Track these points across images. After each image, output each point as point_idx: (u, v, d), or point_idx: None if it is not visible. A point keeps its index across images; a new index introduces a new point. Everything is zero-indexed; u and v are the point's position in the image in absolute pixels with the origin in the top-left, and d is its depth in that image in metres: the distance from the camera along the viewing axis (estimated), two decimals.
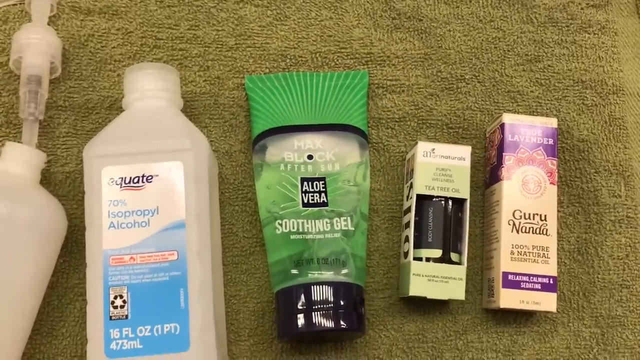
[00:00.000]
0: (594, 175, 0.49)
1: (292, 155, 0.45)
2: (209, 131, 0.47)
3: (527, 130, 0.45)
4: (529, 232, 0.43)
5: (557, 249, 0.46)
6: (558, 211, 0.47)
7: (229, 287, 0.45)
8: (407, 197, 0.46)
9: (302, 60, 0.49)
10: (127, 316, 0.37)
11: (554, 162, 0.45)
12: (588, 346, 0.46)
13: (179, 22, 0.49)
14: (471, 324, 0.46)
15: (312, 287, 0.41)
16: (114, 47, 0.48)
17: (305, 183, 0.44)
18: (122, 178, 0.39)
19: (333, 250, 0.42)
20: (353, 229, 0.43)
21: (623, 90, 0.50)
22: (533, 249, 0.43)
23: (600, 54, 0.51)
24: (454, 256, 0.43)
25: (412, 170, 0.45)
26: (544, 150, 0.45)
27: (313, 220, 0.43)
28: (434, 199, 0.44)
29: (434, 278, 0.42)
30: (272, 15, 0.49)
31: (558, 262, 0.47)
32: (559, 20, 0.51)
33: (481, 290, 0.46)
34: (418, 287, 0.42)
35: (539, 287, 0.43)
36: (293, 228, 0.43)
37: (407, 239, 0.44)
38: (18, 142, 0.43)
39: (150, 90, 0.42)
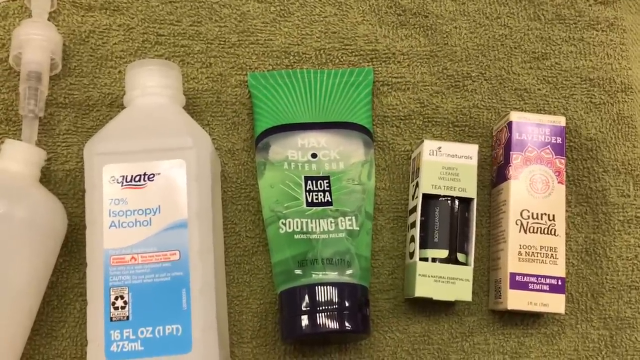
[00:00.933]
0: (602, 175, 0.48)
1: (296, 153, 0.44)
2: (211, 129, 0.47)
3: (534, 128, 0.44)
4: (536, 232, 0.43)
5: (565, 249, 0.45)
6: (566, 211, 0.46)
7: (231, 287, 0.44)
8: (413, 196, 0.45)
9: (305, 57, 0.48)
10: (128, 317, 0.37)
11: (562, 161, 0.44)
12: (596, 348, 0.45)
13: (181, 18, 0.48)
14: (477, 326, 0.45)
15: (316, 287, 0.40)
16: (115, 44, 0.47)
17: (309, 182, 0.44)
18: (123, 176, 0.38)
19: (337, 250, 0.42)
20: (358, 228, 0.43)
21: (631, 88, 0.49)
22: (541, 249, 0.42)
23: (609, 52, 0.50)
24: (460, 257, 0.43)
25: (418, 169, 0.44)
26: (552, 149, 0.44)
27: (317, 220, 0.42)
28: (440, 199, 0.43)
29: (440, 279, 0.42)
30: (275, 11, 0.49)
31: (566, 262, 0.46)
32: (567, 17, 0.50)
33: (488, 291, 0.46)
34: (424, 288, 0.42)
35: (547, 289, 0.42)
36: (297, 228, 0.42)
37: (412, 239, 0.43)
38: (18, 139, 0.42)
39: (152, 87, 0.41)
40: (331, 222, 0.43)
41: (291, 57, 0.48)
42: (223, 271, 0.44)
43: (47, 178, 0.45)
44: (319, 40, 0.48)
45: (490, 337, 0.45)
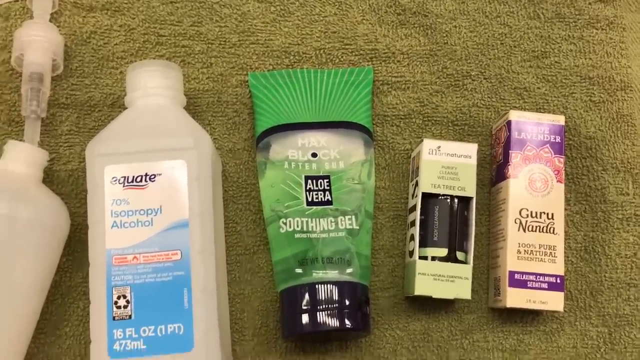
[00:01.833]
0: (602, 173, 0.48)
1: (296, 153, 0.45)
2: (212, 129, 0.47)
3: (534, 127, 0.45)
4: (535, 230, 0.43)
5: (564, 247, 0.46)
6: (565, 209, 0.46)
7: (232, 286, 0.45)
8: (413, 195, 0.45)
9: (306, 57, 0.48)
10: (130, 316, 0.37)
11: (562, 159, 0.44)
12: (595, 345, 0.46)
13: (181, 19, 0.48)
14: (477, 323, 0.46)
15: (317, 286, 0.41)
16: (116, 44, 0.48)
17: (310, 181, 0.44)
18: (125, 177, 0.39)
19: (337, 249, 0.42)
20: (358, 227, 0.43)
21: (631, 86, 0.50)
22: (540, 247, 0.43)
23: (608, 50, 0.50)
24: (459, 255, 0.43)
25: (418, 168, 0.44)
26: (551, 147, 0.44)
27: (317, 219, 0.43)
28: (440, 197, 0.43)
29: (440, 277, 0.42)
30: (275, 11, 0.49)
31: (565, 260, 0.46)
32: (566, 15, 0.50)
33: (487, 289, 0.46)
34: (423, 286, 0.42)
35: (546, 287, 0.42)
36: (297, 227, 0.43)
37: (412, 238, 0.44)
38: (20, 140, 0.43)
39: (153, 88, 0.41)
40: (331, 221, 0.43)
41: (291, 57, 0.48)
42: (224, 270, 0.44)
43: (49, 178, 0.45)
44: (319, 39, 0.49)
45: (490, 334, 0.45)
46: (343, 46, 0.49)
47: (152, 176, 0.39)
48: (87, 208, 0.40)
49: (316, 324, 0.40)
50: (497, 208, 0.45)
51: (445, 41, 0.49)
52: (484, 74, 0.49)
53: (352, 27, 0.49)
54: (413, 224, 0.44)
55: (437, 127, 0.48)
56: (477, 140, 0.48)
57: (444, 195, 0.43)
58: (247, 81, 0.48)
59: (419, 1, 0.50)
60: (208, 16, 0.48)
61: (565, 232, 0.47)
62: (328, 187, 0.44)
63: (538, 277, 0.42)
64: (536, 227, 0.43)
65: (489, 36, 0.50)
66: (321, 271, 0.42)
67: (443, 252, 0.43)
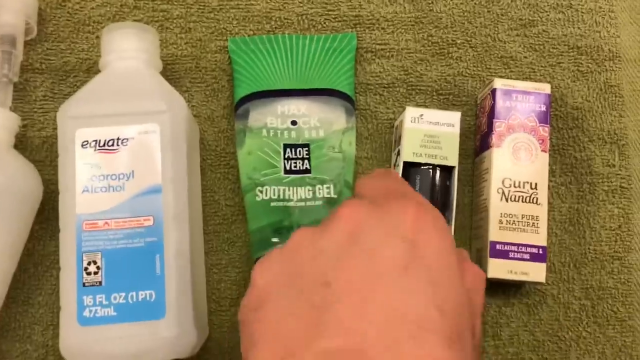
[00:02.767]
0: (588, 144, 0.47)
1: (276, 120, 0.44)
2: (190, 95, 0.46)
3: (519, 95, 0.44)
4: (518, 200, 0.42)
5: (548, 219, 0.45)
6: (550, 181, 0.46)
7: (210, 256, 0.44)
8: (394, 164, 0.44)
9: (287, 22, 0.47)
10: (100, 283, 0.36)
11: (546, 129, 0.43)
12: (578, 318, 0.45)
13: None
14: None
15: None
16: (92, 8, 0.46)
17: (288, 149, 0.43)
18: (96, 141, 0.38)
19: (315, 219, 0.41)
20: (336, 196, 0.42)
21: (619, 56, 0.49)
22: (522, 218, 0.42)
23: (597, 19, 0.49)
24: None
25: (400, 137, 0.43)
26: (536, 116, 0.43)
27: (295, 188, 0.42)
28: (422, 167, 0.42)
29: None
30: None
31: (549, 232, 0.45)
32: None
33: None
34: None
35: (528, 257, 0.41)
36: (274, 195, 0.42)
37: None
38: None
39: (127, 50, 0.40)
40: (309, 190, 0.42)
41: (272, 22, 0.47)
42: (201, 239, 0.43)
43: (23, 145, 0.44)
44: (302, 5, 0.47)
45: None
46: (326, 12, 0.47)
47: (125, 140, 0.38)
48: (58, 172, 0.39)
49: None
50: (480, 178, 0.44)
51: (431, 8, 0.48)
52: (470, 42, 0.48)
53: None
54: None
55: (422, 96, 0.47)
56: (462, 110, 0.47)
57: (425, 164, 0.42)
58: (226, 47, 0.46)
59: None
60: None
61: (550, 203, 0.46)
62: (307, 156, 0.43)
63: (520, 247, 0.41)
64: (519, 197, 0.42)
65: (475, 4, 0.48)
66: None
67: None
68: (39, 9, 0.45)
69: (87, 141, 0.38)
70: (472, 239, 0.45)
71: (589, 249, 0.46)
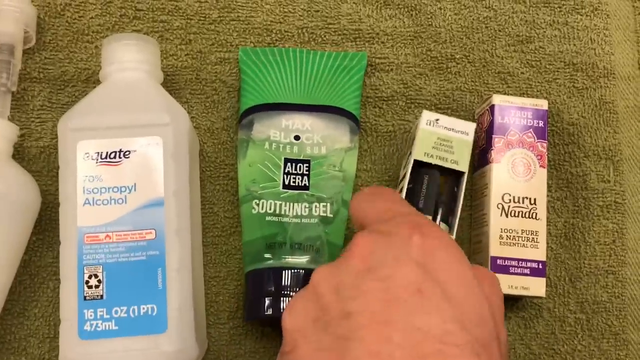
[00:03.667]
0: (583, 160, 0.48)
1: (279, 134, 0.44)
2: (190, 107, 0.46)
3: (517, 112, 0.44)
4: (518, 215, 0.42)
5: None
6: (546, 195, 0.46)
7: (208, 268, 0.44)
8: (403, 166, 0.44)
9: (288, 35, 0.47)
10: (102, 296, 0.36)
11: (544, 144, 0.44)
12: (573, 332, 0.46)
13: None
14: None
15: (284, 271, 0.40)
16: (92, 17, 0.46)
17: (289, 164, 0.43)
18: (98, 153, 0.37)
19: (308, 236, 0.41)
20: (332, 215, 0.42)
21: (614, 73, 0.49)
22: (522, 233, 0.42)
23: (592, 37, 0.50)
24: (442, 226, 0.42)
25: (414, 139, 0.43)
26: (534, 132, 0.44)
27: (291, 203, 0.42)
28: (431, 168, 0.42)
29: None
30: None
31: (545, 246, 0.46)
32: (551, 1, 0.50)
33: None
34: None
35: (528, 272, 0.42)
36: (270, 209, 0.42)
37: None
38: None
39: (129, 62, 0.40)
40: (305, 207, 0.42)
41: (273, 35, 0.47)
42: (200, 251, 0.43)
43: (20, 155, 0.43)
44: (302, 18, 0.48)
45: None
46: (326, 25, 0.48)
47: (127, 152, 0.37)
48: (59, 184, 0.38)
49: (278, 309, 0.39)
50: (480, 193, 0.45)
51: (430, 23, 0.49)
52: (468, 57, 0.48)
53: (336, 6, 0.48)
54: (400, 191, 0.43)
55: (420, 110, 0.47)
56: None
57: (435, 166, 0.42)
58: (226, 58, 0.46)
59: None
60: None
61: (546, 218, 0.46)
62: (307, 172, 0.43)
63: (520, 262, 0.42)
64: (518, 212, 0.42)
65: (473, 19, 0.49)
66: (289, 256, 0.41)
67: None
68: (38, 17, 0.45)
69: (88, 153, 0.37)
70: (472, 253, 0.45)
71: (584, 263, 0.46)
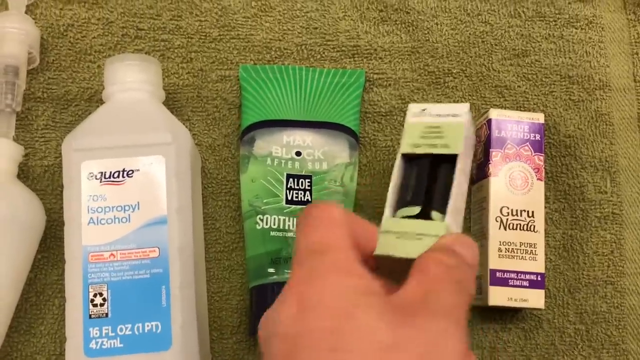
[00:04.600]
0: (580, 171, 0.48)
1: (280, 150, 0.44)
2: (191, 124, 0.46)
3: (514, 125, 0.45)
4: (516, 228, 0.43)
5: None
6: (544, 207, 0.47)
7: (211, 283, 0.44)
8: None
9: (287, 52, 0.48)
10: (107, 314, 0.37)
11: (541, 157, 0.44)
12: (573, 343, 0.46)
13: (161, 12, 0.47)
14: None
15: None
16: (94, 38, 0.47)
17: (291, 180, 0.44)
18: (102, 172, 0.38)
19: None
20: None
21: (609, 85, 0.50)
22: (521, 245, 0.43)
23: (587, 49, 0.50)
24: (435, 215, 0.35)
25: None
26: (531, 146, 0.45)
27: (295, 219, 0.43)
28: (420, 158, 0.36)
29: (405, 235, 0.33)
30: (256, 6, 0.48)
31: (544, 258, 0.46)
32: (547, 14, 0.51)
33: None
34: (385, 245, 0.33)
35: (527, 284, 0.42)
36: (274, 224, 0.42)
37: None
38: None
39: (132, 82, 0.41)
40: None
41: (272, 52, 0.48)
42: (203, 267, 0.43)
43: (24, 174, 0.44)
44: (301, 35, 0.48)
45: (469, 331, 0.45)
46: (324, 42, 0.48)
47: (130, 172, 0.38)
48: (63, 204, 0.39)
49: None
50: (478, 206, 0.45)
51: (427, 38, 0.49)
52: (465, 71, 0.49)
53: (334, 23, 0.49)
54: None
55: None
56: None
57: (425, 155, 0.36)
58: (227, 76, 0.47)
59: None
60: (188, 10, 0.48)
61: (544, 230, 0.47)
62: (309, 187, 0.44)
63: (519, 275, 0.42)
64: (517, 225, 0.43)
65: (470, 34, 0.50)
66: None
67: (415, 210, 0.35)
68: (41, 38, 0.46)
69: (92, 173, 0.38)
70: None
71: (582, 274, 0.47)
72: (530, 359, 0.46)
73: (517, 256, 0.43)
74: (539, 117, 0.45)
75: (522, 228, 0.43)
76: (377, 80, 0.48)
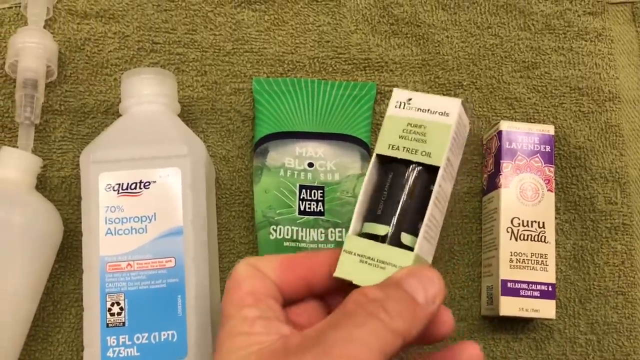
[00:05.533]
0: (590, 182, 0.49)
1: (293, 161, 0.45)
2: (206, 136, 0.47)
3: (524, 137, 0.45)
4: (527, 239, 0.43)
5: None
6: (555, 218, 0.47)
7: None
8: None
9: (299, 65, 0.49)
10: (124, 323, 0.37)
11: (552, 169, 0.45)
12: (584, 353, 0.46)
13: (176, 26, 0.48)
14: (468, 331, 0.46)
15: None
16: (110, 51, 0.48)
17: (304, 190, 0.44)
18: (119, 184, 0.39)
19: None
20: None
21: (619, 97, 0.50)
22: (532, 256, 0.43)
23: (597, 61, 0.51)
24: (406, 238, 0.31)
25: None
26: (541, 157, 0.45)
27: (308, 229, 0.43)
28: (397, 163, 0.32)
29: (367, 260, 0.31)
30: (269, 20, 0.49)
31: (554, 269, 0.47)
32: (556, 27, 0.51)
33: (478, 297, 0.46)
34: (346, 268, 0.31)
35: (538, 294, 0.43)
36: (287, 235, 0.43)
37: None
38: (14, 146, 0.42)
39: (148, 95, 0.42)
40: (321, 233, 0.43)
41: (285, 65, 0.49)
42: (217, 277, 0.44)
43: (42, 185, 0.45)
44: (313, 49, 0.49)
45: (481, 341, 0.46)
46: (336, 55, 0.49)
47: (147, 183, 0.39)
48: (81, 215, 0.40)
49: None
50: (489, 217, 0.46)
51: (437, 51, 0.50)
52: (475, 84, 0.50)
53: (346, 36, 0.50)
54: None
55: None
56: (468, 150, 0.49)
57: (402, 160, 0.32)
58: (241, 89, 0.48)
59: (412, 11, 0.50)
60: (202, 24, 0.49)
61: (555, 240, 0.47)
62: (322, 198, 0.44)
63: (530, 285, 0.43)
64: (528, 235, 0.43)
65: (480, 47, 0.50)
66: None
67: (384, 230, 0.31)
68: (59, 52, 0.47)
69: (110, 184, 0.39)
70: (482, 276, 0.46)
71: (593, 284, 0.47)
72: None
73: (528, 267, 0.43)
74: (549, 129, 0.45)
75: (532, 239, 0.43)
76: (388, 92, 0.49)
